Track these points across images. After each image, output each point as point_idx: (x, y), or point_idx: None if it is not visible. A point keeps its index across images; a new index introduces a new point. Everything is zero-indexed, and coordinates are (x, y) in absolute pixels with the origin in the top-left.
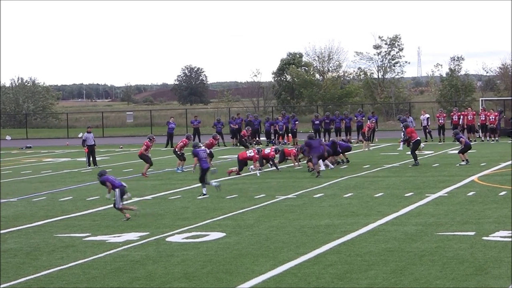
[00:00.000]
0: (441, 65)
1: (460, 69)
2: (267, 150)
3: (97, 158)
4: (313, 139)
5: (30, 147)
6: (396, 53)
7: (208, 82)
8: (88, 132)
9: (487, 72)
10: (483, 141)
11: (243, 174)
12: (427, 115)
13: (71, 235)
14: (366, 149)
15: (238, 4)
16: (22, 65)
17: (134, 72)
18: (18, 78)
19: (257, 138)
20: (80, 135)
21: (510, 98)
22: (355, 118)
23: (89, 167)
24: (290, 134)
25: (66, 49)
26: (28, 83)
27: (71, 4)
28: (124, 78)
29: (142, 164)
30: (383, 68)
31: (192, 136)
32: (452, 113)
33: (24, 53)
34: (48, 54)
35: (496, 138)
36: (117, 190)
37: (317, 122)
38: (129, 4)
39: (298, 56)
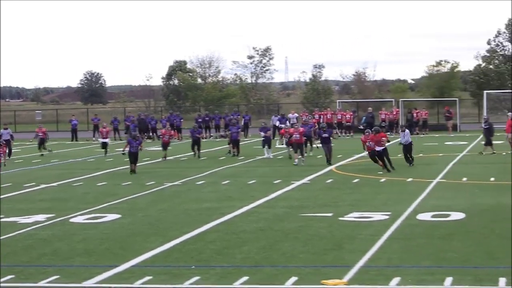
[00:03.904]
0: (306, 72)
1: (321, 75)
2: None
3: (12, 150)
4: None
5: None
6: (267, 61)
7: (107, 85)
8: (4, 129)
9: (343, 78)
10: (340, 136)
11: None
12: (296, 114)
13: None
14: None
15: (133, 13)
16: None
17: (43, 75)
18: None
19: (149, 134)
20: None
21: (363, 100)
22: (232, 116)
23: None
24: (175, 130)
25: None
26: None
27: None
28: (34, 81)
29: (49, 156)
30: (256, 74)
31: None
32: (313, 113)
33: None
34: None
35: (351, 134)
36: None
37: (199, 120)
38: (35, 11)
39: (183, 63)
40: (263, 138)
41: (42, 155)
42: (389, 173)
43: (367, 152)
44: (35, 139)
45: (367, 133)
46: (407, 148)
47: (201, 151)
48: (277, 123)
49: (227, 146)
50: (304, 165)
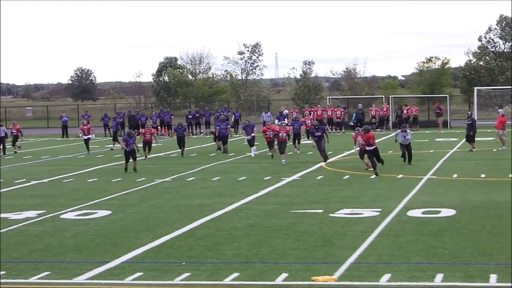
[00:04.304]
0: (296, 69)
1: (311, 72)
2: None
3: (6, 147)
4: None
5: None
6: (257, 57)
7: (97, 82)
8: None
9: (333, 75)
10: (330, 132)
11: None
12: (286, 111)
13: None
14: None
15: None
16: None
17: (33, 72)
18: None
19: (139, 131)
20: None
21: (353, 96)
22: (222, 113)
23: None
24: (166, 127)
25: None
26: None
27: None
28: (24, 78)
29: (39, 152)
30: (246, 71)
31: None
32: (304, 109)
33: None
34: None
35: (343, 131)
36: None
37: (190, 116)
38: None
39: (173, 59)
40: (247, 137)
41: (15, 152)
42: (379, 170)
43: (358, 149)
44: (11, 136)
45: (357, 131)
46: (407, 148)
47: (185, 148)
48: (276, 121)
49: (215, 143)
50: (285, 164)
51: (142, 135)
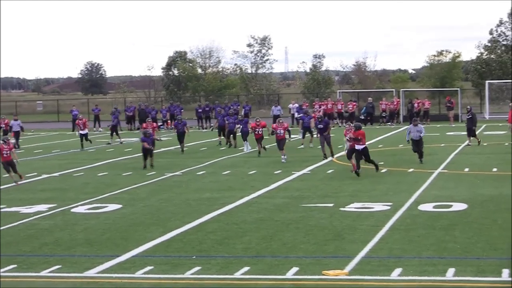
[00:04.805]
0: (306, 63)
1: (321, 65)
2: None
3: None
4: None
5: None
6: (266, 51)
7: (107, 76)
8: (14, 120)
9: (343, 68)
10: (340, 126)
11: (136, 155)
12: (297, 104)
13: None
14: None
15: (129, 8)
16: None
17: (44, 66)
18: None
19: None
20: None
21: (363, 90)
22: (232, 106)
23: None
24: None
25: None
26: None
27: None
28: (34, 71)
29: (50, 146)
30: (256, 64)
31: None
32: (314, 103)
33: None
34: None
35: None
36: None
37: (199, 110)
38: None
39: (183, 53)
40: (240, 132)
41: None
42: (387, 165)
43: (347, 149)
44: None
45: (348, 126)
46: (418, 144)
47: (184, 144)
48: (296, 114)
49: (218, 138)
50: (285, 162)
51: (144, 129)
